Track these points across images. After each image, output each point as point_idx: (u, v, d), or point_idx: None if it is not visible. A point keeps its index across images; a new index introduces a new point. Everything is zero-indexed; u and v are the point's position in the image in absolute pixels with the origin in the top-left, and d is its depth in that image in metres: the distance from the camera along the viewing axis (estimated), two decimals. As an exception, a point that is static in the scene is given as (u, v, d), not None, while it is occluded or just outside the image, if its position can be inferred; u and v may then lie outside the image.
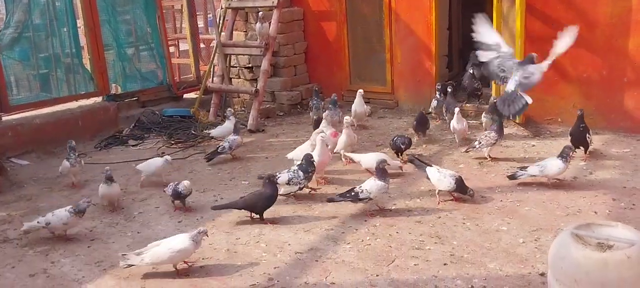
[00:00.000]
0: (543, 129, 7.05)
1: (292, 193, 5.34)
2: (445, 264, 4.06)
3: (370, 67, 8.78)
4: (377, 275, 3.97)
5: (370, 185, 4.89)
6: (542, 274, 3.82)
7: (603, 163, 5.68)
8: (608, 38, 6.54)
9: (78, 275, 4.28)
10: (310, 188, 5.52)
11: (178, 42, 13.06)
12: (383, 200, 5.09)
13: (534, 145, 6.54)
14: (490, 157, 6.09)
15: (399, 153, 6.19)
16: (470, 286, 3.77)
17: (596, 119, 6.16)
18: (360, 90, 7.55)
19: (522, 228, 4.51)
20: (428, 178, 5.14)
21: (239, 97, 9.39)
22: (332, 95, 7.40)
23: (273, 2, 8.24)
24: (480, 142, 6.11)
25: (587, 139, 5.89)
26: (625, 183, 5.27)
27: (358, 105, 7.53)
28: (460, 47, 9.64)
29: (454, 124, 6.55)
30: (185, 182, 5.22)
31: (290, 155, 6.15)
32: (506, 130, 7.00)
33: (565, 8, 6.71)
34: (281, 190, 5.17)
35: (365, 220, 4.84)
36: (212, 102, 8.66)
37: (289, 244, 4.52)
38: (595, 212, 4.71)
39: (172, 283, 4.05)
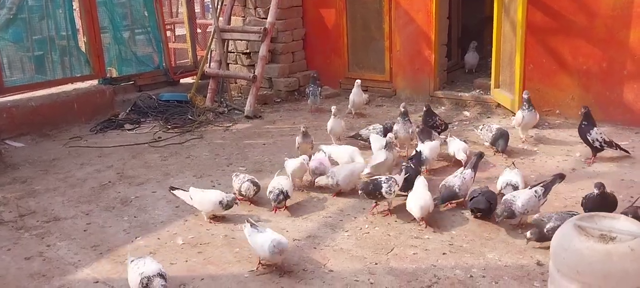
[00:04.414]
0: (541, 120, 7.00)
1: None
2: (444, 253, 4.05)
3: (368, 55, 8.73)
4: (376, 264, 3.96)
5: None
6: (540, 264, 3.82)
7: (601, 155, 5.66)
8: (609, 30, 6.51)
9: (74, 258, 4.25)
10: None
11: (174, 27, 12.96)
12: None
13: (531, 136, 6.51)
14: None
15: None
16: (469, 275, 3.76)
17: (595, 111, 6.11)
18: (358, 81, 7.51)
19: (521, 218, 4.50)
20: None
21: (236, 82, 9.34)
22: (401, 105, 6.17)
23: (272, -13, 8.17)
24: (482, 128, 6.15)
25: None
26: (623, 176, 5.27)
27: (356, 94, 7.49)
28: (459, 36, 9.60)
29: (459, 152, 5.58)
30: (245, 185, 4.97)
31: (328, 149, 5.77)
32: (505, 122, 7.02)
33: (567, -1, 6.69)
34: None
35: (364, 208, 4.82)
36: (209, 87, 8.59)
37: (287, 231, 4.50)
38: (594, 204, 4.70)
39: (169, 269, 4.01)
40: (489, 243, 4.16)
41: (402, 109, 6.04)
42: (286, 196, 4.81)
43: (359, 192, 4.73)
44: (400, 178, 4.71)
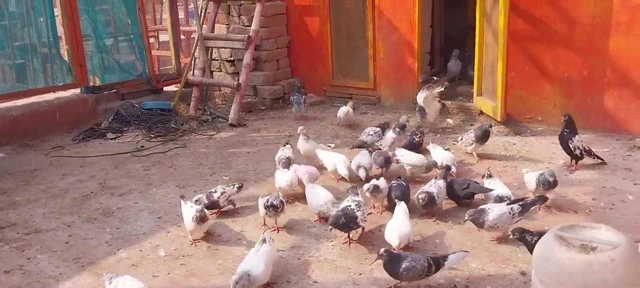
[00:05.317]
0: (523, 127, 7.10)
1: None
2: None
3: (352, 63, 8.75)
4: (360, 274, 3.95)
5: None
6: (524, 273, 3.84)
7: (583, 163, 5.72)
8: (589, 38, 6.59)
9: (55, 271, 4.20)
10: None
11: (158, 34, 12.89)
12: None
13: (514, 144, 6.58)
14: (475, 154, 6.12)
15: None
16: (453, 285, 3.77)
17: (576, 118, 6.19)
18: (301, 127, 6.22)
19: (504, 227, 4.52)
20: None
21: (220, 90, 9.31)
22: (401, 118, 6.30)
23: (256, -5, 8.17)
24: (462, 139, 6.18)
25: None
26: (605, 183, 5.32)
27: (301, 143, 6.05)
28: (442, 44, 9.66)
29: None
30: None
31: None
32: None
33: (548, 7, 6.75)
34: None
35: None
36: (192, 95, 8.55)
37: (277, 232, 4.49)
38: (576, 212, 4.74)
39: (151, 281, 3.97)
40: (472, 252, 4.16)
41: (404, 123, 6.08)
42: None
43: (329, 227, 4.31)
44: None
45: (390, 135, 6.19)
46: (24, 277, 4.13)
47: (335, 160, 5.56)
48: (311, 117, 8.11)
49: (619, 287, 2.73)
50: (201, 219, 4.38)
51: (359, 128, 7.41)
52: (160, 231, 4.75)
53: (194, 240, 4.49)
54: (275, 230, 4.63)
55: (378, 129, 6.36)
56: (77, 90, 8.35)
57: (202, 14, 8.85)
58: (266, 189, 5.44)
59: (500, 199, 4.58)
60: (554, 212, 4.75)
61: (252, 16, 8.28)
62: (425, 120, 7.05)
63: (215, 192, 4.92)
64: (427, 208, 4.69)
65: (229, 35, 8.69)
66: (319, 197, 4.74)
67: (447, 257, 3.77)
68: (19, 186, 5.95)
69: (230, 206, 5.02)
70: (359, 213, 4.26)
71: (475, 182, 4.99)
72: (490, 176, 5.01)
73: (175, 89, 9.07)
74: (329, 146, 6.10)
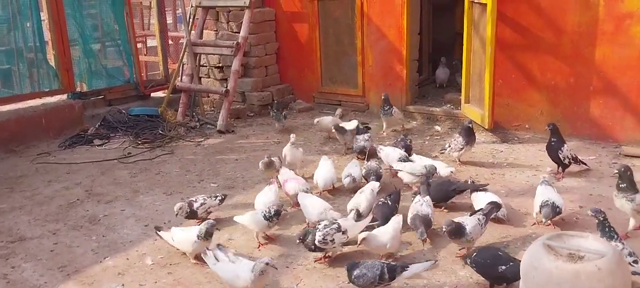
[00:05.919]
0: (511, 134, 7.14)
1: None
2: (416, 271, 4.06)
3: (341, 69, 8.76)
4: (349, 282, 3.94)
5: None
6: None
7: (569, 170, 5.76)
8: (576, 46, 6.65)
9: (40, 280, 4.15)
10: None
11: (145, 39, 12.82)
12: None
13: (501, 151, 6.61)
14: (459, 161, 6.16)
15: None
16: (441, 294, 3.78)
17: (563, 126, 6.25)
18: (293, 135, 6.14)
19: (492, 235, 4.54)
20: None
21: (208, 97, 9.27)
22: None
23: (245, 2, 8.15)
24: (450, 146, 6.19)
25: None
26: (591, 190, 5.36)
27: (289, 151, 5.95)
28: (430, 52, 9.70)
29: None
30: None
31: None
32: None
33: (535, 16, 6.80)
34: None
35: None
36: (180, 101, 8.51)
37: (260, 250, 4.46)
38: (563, 219, 4.77)
39: (139, 290, 3.95)
40: (460, 260, 4.18)
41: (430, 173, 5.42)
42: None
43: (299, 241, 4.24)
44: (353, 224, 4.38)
45: (395, 153, 5.88)
46: (7, 287, 4.08)
47: (317, 175, 5.52)
48: (299, 124, 8.09)
49: (606, 296, 2.74)
50: (209, 234, 4.17)
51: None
52: (147, 239, 4.71)
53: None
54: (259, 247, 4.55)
55: (368, 135, 6.48)
56: (64, 96, 8.28)
57: (191, 20, 8.83)
58: (254, 197, 5.38)
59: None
60: (541, 219, 4.76)
61: (241, 22, 8.26)
62: (344, 137, 6.76)
63: (196, 201, 4.86)
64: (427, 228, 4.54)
65: (217, 41, 8.67)
66: (316, 206, 4.71)
67: (408, 267, 3.75)
68: (4, 193, 5.88)
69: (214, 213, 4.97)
70: (336, 237, 4.13)
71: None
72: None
73: (163, 95, 9.03)
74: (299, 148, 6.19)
